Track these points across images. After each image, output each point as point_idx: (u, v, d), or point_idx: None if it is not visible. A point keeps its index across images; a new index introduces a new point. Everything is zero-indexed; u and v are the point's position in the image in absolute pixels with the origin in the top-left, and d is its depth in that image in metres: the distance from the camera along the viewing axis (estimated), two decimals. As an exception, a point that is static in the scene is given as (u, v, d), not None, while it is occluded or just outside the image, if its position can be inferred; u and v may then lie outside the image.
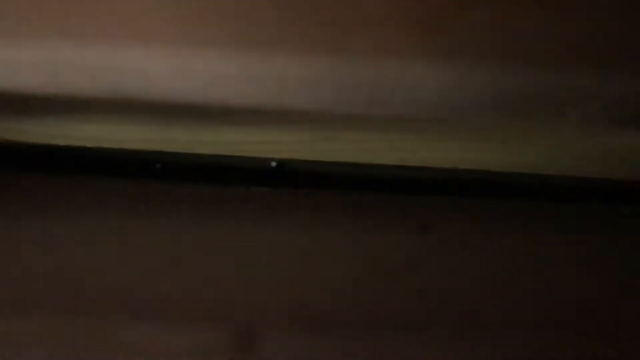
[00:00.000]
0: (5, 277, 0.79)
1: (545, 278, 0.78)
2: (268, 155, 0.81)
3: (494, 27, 0.70)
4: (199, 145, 0.81)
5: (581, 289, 0.77)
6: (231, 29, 0.70)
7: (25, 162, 0.81)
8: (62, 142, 0.80)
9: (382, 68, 0.71)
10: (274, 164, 0.82)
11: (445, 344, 0.75)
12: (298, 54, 0.70)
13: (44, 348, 0.76)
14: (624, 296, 0.78)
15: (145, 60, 0.72)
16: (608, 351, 0.74)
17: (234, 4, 0.69)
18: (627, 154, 0.80)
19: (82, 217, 0.80)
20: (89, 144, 0.81)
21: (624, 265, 0.77)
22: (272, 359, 0.73)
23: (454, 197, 0.82)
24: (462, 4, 0.69)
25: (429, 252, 0.77)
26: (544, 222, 0.80)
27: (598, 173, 0.82)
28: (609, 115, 0.74)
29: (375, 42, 0.70)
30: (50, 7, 0.70)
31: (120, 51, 0.71)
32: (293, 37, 0.70)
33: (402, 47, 0.70)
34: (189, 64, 0.72)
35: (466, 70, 0.71)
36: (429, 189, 0.82)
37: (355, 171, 0.83)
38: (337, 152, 0.81)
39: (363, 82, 0.72)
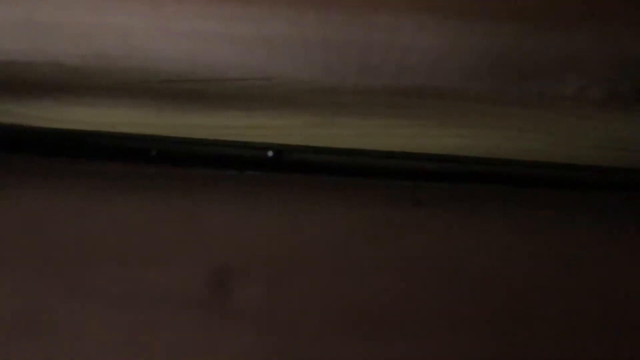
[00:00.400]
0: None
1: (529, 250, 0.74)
2: (264, 140, 0.78)
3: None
4: (193, 130, 0.79)
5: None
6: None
7: (16, 144, 0.79)
8: (55, 125, 0.79)
9: (373, 26, 0.69)
10: (270, 153, 0.79)
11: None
12: (285, 10, 0.69)
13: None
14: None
15: (129, 19, 0.71)
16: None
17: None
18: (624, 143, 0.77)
19: (74, 197, 0.77)
20: (82, 127, 0.79)
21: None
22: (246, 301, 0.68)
23: (449, 183, 0.78)
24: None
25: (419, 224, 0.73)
26: (532, 207, 0.77)
27: (592, 160, 0.78)
28: (607, 87, 0.70)
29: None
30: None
31: (102, 10, 0.71)
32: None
33: (393, 1, 0.68)
34: (173, 21, 0.70)
35: (459, 29, 0.69)
36: (426, 175, 0.78)
37: (352, 159, 0.79)
38: (334, 138, 0.79)
39: (353, 43, 0.70)
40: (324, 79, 0.73)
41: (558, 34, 0.68)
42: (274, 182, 0.79)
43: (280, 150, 0.80)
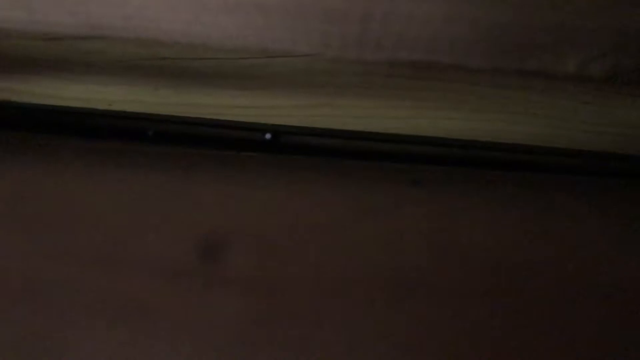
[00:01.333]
0: None
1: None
2: (262, 120, 0.77)
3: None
4: (190, 108, 0.78)
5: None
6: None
7: (8, 120, 0.79)
8: (49, 101, 0.78)
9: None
10: (268, 136, 0.78)
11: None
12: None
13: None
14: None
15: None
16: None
17: None
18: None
19: (67, 174, 0.76)
20: (77, 104, 0.78)
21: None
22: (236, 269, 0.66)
23: (446, 166, 0.76)
24: None
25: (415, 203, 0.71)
26: (528, 190, 0.76)
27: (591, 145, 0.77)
28: (609, 63, 0.70)
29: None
30: None
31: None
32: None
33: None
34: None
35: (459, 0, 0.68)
36: (423, 157, 0.77)
37: (349, 142, 0.78)
38: (332, 119, 0.78)
39: (354, 13, 0.69)
40: (323, 52, 0.72)
41: (559, 7, 0.68)
42: (271, 163, 0.78)
43: (278, 132, 0.79)
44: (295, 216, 0.71)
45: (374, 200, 0.72)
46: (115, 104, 0.78)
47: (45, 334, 0.65)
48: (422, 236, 0.69)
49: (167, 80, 0.78)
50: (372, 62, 0.72)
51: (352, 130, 0.77)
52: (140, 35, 0.73)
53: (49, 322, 0.66)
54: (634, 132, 0.76)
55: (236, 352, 0.64)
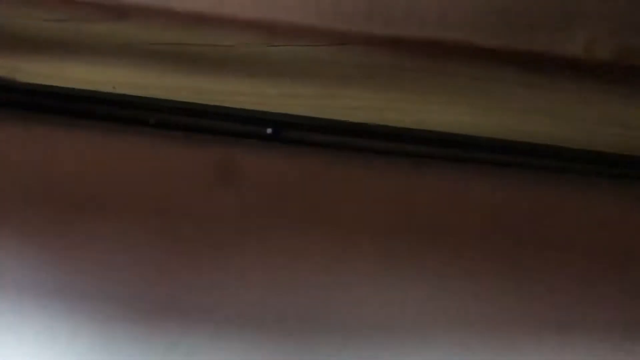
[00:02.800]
0: None
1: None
2: (264, 108, 0.77)
3: None
4: (194, 94, 0.78)
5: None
6: None
7: (12, 99, 0.79)
8: (54, 82, 0.78)
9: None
10: (269, 130, 0.78)
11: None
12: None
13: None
14: None
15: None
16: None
17: None
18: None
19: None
20: (82, 86, 0.78)
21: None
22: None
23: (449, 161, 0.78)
24: None
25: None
26: (524, 184, 0.78)
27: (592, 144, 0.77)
28: (617, 43, 0.71)
29: None
30: None
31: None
32: None
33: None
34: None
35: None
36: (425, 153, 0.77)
37: (350, 138, 0.78)
38: (335, 110, 0.78)
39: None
40: (333, 25, 0.73)
41: None
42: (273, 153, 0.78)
43: (279, 126, 0.79)
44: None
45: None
46: (119, 86, 0.78)
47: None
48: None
49: (172, 65, 0.78)
50: (379, 38, 0.73)
51: (352, 122, 0.77)
52: (147, 20, 0.74)
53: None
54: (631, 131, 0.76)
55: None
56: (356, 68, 0.77)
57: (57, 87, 0.78)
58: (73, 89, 0.78)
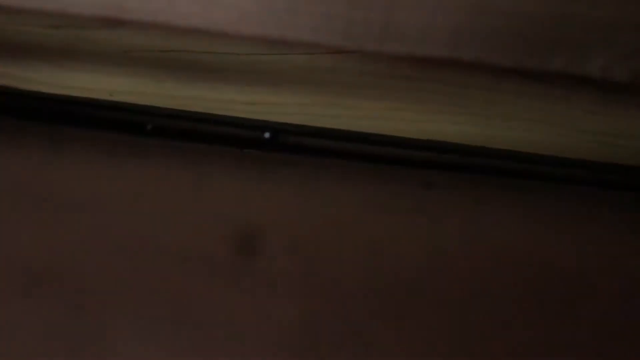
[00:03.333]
0: None
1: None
2: (263, 117, 0.78)
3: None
4: (192, 102, 0.78)
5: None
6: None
7: (8, 107, 0.78)
8: (51, 90, 0.78)
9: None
10: (267, 134, 0.79)
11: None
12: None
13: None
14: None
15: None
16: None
17: None
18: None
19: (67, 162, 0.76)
20: (78, 93, 0.78)
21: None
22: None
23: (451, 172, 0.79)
24: None
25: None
26: (534, 199, 0.79)
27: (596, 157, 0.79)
28: (630, 68, 0.71)
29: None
30: None
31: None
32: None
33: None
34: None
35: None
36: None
37: (350, 144, 0.79)
38: (334, 118, 0.79)
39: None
40: (344, 44, 0.72)
41: (589, 5, 0.69)
42: (274, 161, 0.79)
43: (277, 131, 0.80)
44: (310, 211, 0.71)
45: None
46: (116, 94, 0.78)
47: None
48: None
49: (171, 73, 0.78)
50: (390, 52, 0.72)
51: (352, 131, 0.78)
52: (145, 27, 0.73)
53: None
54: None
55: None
56: (356, 76, 0.77)
57: (53, 94, 0.78)
58: (70, 96, 0.78)
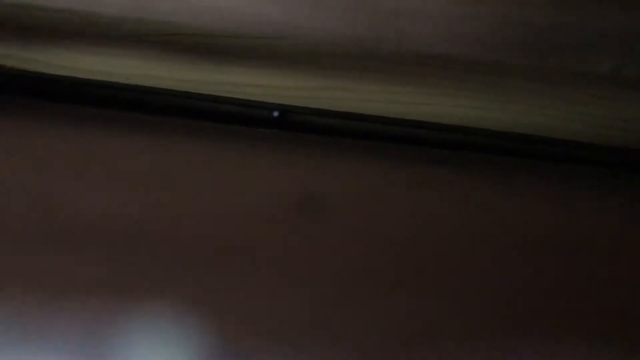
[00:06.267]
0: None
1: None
2: (271, 100, 0.81)
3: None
4: (205, 86, 0.82)
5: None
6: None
7: (26, 89, 0.82)
8: (68, 72, 0.81)
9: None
10: (276, 113, 0.82)
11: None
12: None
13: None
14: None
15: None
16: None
17: None
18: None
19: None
20: (95, 77, 0.82)
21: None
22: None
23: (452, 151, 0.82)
24: None
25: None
26: (529, 179, 0.82)
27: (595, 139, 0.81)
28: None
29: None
30: None
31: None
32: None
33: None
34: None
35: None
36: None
37: (353, 123, 0.82)
38: (339, 101, 0.82)
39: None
40: (364, 43, 0.75)
41: (601, 9, 0.71)
42: (284, 140, 0.82)
43: (285, 111, 0.83)
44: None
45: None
46: (133, 78, 0.82)
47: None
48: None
49: (184, 57, 0.81)
50: (408, 51, 0.75)
51: (355, 112, 0.82)
52: (159, 12, 0.76)
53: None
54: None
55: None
56: (362, 60, 0.80)
57: (70, 77, 0.82)
58: (86, 79, 0.82)
